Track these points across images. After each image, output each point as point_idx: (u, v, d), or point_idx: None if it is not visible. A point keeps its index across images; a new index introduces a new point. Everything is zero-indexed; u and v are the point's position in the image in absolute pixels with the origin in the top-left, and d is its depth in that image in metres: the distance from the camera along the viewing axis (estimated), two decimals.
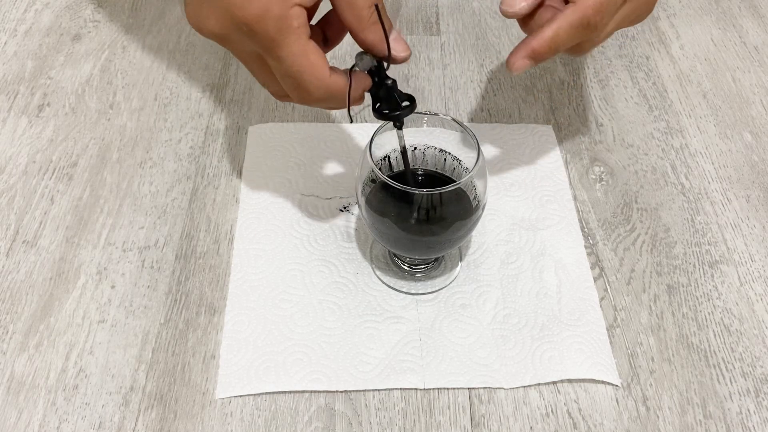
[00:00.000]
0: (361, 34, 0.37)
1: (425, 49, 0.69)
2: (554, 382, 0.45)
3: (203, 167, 0.58)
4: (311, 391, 0.45)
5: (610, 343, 0.47)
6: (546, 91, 0.66)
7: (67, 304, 0.49)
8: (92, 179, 0.57)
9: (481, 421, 0.44)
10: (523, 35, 0.42)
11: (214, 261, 0.51)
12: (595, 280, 0.51)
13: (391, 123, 0.43)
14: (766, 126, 0.63)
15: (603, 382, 0.46)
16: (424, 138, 0.47)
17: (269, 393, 0.45)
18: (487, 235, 0.53)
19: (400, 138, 0.43)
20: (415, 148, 0.48)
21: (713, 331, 0.49)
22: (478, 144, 0.43)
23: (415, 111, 0.42)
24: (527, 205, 0.55)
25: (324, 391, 0.45)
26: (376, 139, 0.44)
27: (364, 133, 0.60)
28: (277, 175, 0.57)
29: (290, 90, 0.38)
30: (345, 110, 0.40)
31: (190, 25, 0.38)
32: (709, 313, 0.49)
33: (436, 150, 0.48)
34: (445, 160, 0.48)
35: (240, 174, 0.57)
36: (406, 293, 0.50)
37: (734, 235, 0.54)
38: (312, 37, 0.37)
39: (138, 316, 0.48)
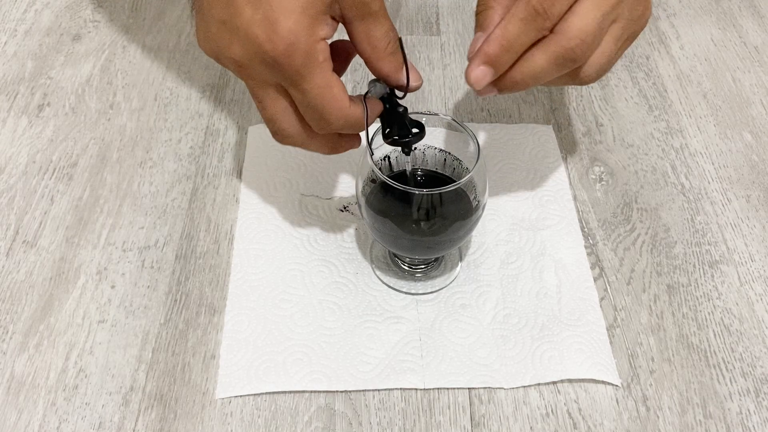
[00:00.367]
0: (377, 64, 0.38)
1: (425, 49, 0.69)
2: (554, 382, 0.45)
3: (203, 167, 0.58)
4: (311, 391, 0.45)
5: (610, 343, 0.47)
6: (546, 91, 0.66)
7: (67, 304, 0.49)
8: (92, 179, 0.57)
9: (481, 421, 0.44)
10: None
11: (214, 261, 0.51)
12: (595, 280, 0.51)
13: (389, 144, 0.43)
14: (766, 126, 0.63)
15: (603, 382, 0.46)
16: (424, 138, 0.47)
17: (269, 393, 0.45)
18: (487, 235, 0.53)
19: (407, 163, 0.44)
20: (415, 148, 0.48)
21: (713, 331, 0.49)
22: (478, 144, 0.43)
23: (415, 111, 0.43)
24: (527, 205, 0.55)
25: (324, 391, 0.45)
26: (376, 139, 0.44)
27: (364, 133, 0.60)
28: (277, 175, 0.57)
29: (310, 119, 0.39)
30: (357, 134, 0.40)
31: (203, 50, 0.38)
32: (709, 313, 0.49)
33: (436, 150, 0.48)
34: (445, 160, 0.48)
35: (240, 174, 0.57)
36: (406, 293, 0.50)
37: (734, 235, 0.54)
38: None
39: (138, 316, 0.48)
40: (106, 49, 0.68)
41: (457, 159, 0.47)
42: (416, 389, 0.45)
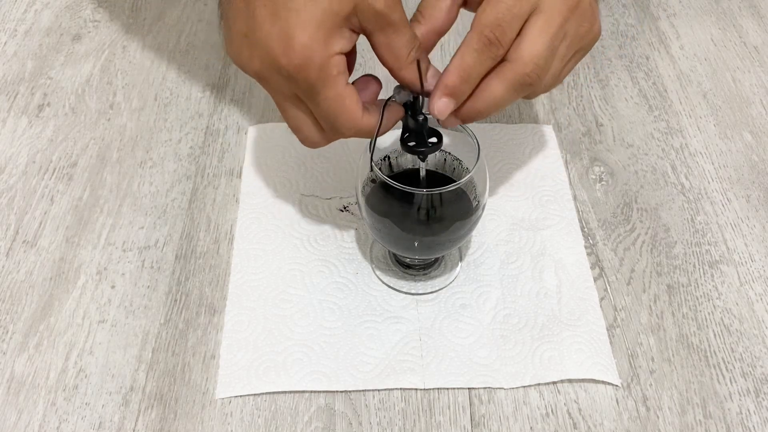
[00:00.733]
0: (399, 73, 0.39)
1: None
2: (554, 382, 0.45)
3: (203, 167, 0.58)
4: (311, 391, 0.45)
5: (610, 343, 0.47)
6: None
7: (67, 304, 0.49)
8: (92, 179, 0.57)
9: (481, 421, 0.44)
10: None
11: (214, 261, 0.51)
12: (595, 280, 0.51)
13: (405, 150, 0.43)
14: (766, 126, 0.63)
15: (603, 382, 0.46)
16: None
17: (269, 393, 0.45)
18: (487, 235, 0.53)
19: (422, 168, 0.44)
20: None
21: (713, 331, 0.49)
22: (478, 144, 0.43)
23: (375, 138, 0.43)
24: (527, 205, 0.55)
25: (324, 391, 0.45)
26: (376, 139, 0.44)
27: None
28: (277, 175, 0.57)
29: (325, 128, 0.40)
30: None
31: (233, 62, 0.40)
32: (709, 313, 0.49)
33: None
34: (445, 160, 0.48)
35: (240, 174, 0.57)
36: (406, 293, 0.50)
37: (734, 235, 0.54)
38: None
39: (138, 316, 0.48)
40: (106, 49, 0.68)
41: (457, 159, 0.47)
42: (416, 389, 0.45)
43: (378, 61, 0.39)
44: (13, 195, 0.55)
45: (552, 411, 0.44)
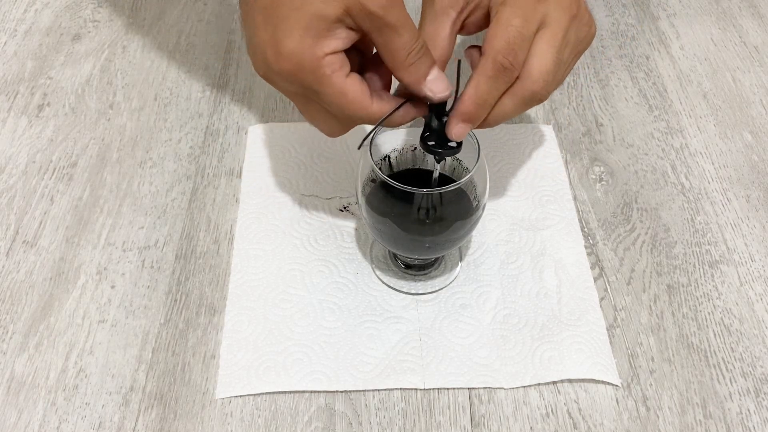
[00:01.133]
0: (396, 74, 0.39)
1: None
2: (554, 382, 0.45)
3: (203, 167, 0.58)
4: (311, 391, 0.45)
5: (610, 343, 0.47)
6: None
7: (67, 304, 0.49)
8: (92, 179, 0.57)
9: (481, 421, 0.44)
10: None
11: (214, 261, 0.51)
12: (595, 280, 0.51)
13: (424, 150, 0.43)
14: (766, 126, 0.63)
15: (603, 382, 0.46)
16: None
17: (269, 393, 0.45)
18: (487, 235, 0.53)
19: (435, 169, 0.44)
20: (415, 148, 0.48)
21: (713, 331, 0.49)
22: (478, 144, 0.43)
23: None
24: (527, 205, 0.55)
25: (324, 391, 0.45)
26: (376, 139, 0.44)
27: (364, 133, 0.60)
28: (277, 175, 0.57)
29: (339, 119, 0.41)
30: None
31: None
32: (709, 313, 0.49)
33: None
34: (445, 160, 0.48)
35: (240, 174, 0.57)
36: (406, 293, 0.50)
37: (734, 235, 0.54)
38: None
39: (138, 316, 0.48)
40: (106, 49, 0.68)
41: (457, 159, 0.47)
42: (416, 389, 0.45)
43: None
44: (13, 195, 0.55)
45: (552, 411, 0.44)
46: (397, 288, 0.50)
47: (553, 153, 0.59)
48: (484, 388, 0.45)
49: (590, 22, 0.42)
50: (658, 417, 0.44)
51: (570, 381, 0.46)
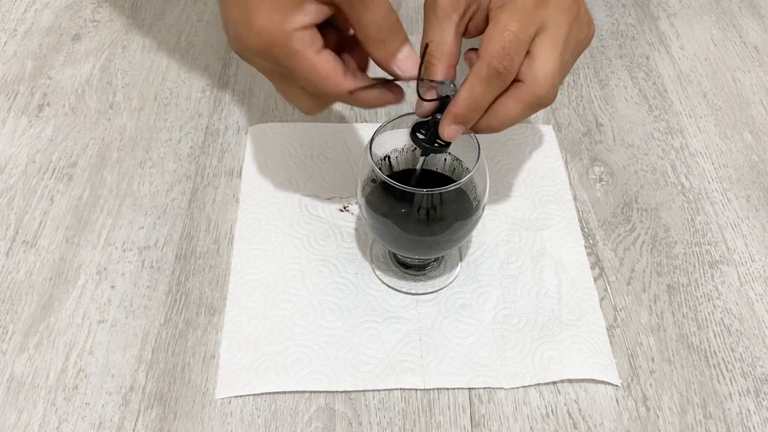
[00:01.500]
0: (368, 50, 0.39)
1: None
2: (554, 382, 0.45)
3: (203, 167, 0.58)
4: (311, 391, 0.45)
5: (610, 343, 0.47)
6: None
7: (67, 304, 0.49)
8: (92, 179, 0.57)
9: (481, 421, 0.44)
10: None
11: (214, 261, 0.51)
12: (595, 280, 0.51)
13: (411, 140, 0.43)
14: (766, 126, 0.63)
15: (603, 382, 0.46)
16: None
17: (269, 393, 0.45)
18: (487, 235, 0.53)
19: (421, 161, 0.44)
20: (416, 148, 0.48)
21: (713, 331, 0.49)
22: (478, 144, 0.43)
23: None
24: (527, 205, 0.55)
25: (324, 391, 0.45)
26: (376, 138, 0.44)
27: (364, 133, 0.60)
28: (277, 175, 0.57)
29: (312, 93, 0.41)
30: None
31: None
32: (709, 313, 0.49)
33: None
34: (445, 160, 0.48)
35: (240, 174, 0.57)
36: (406, 293, 0.50)
37: (734, 235, 0.54)
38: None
39: (138, 316, 0.48)
40: (106, 49, 0.68)
41: (457, 159, 0.47)
42: (416, 389, 0.45)
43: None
44: (13, 195, 0.55)
45: (552, 411, 0.44)
46: (397, 288, 0.50)
47: (553, 153, 0.59)
48: (484, 388, 0.45)
49: (590, 22, 0.42)
50: (658, 417, 0.44)
51: (570, 381, 0.46)
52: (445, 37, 0.40)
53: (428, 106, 0.41)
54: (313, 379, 0.45)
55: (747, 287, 0.51)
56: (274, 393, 0.45)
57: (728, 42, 0.72)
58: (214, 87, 0.65)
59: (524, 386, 0.45)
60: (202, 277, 0.50)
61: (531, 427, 0.44)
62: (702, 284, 0.51)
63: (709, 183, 0.58)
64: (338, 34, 0.41)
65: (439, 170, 0.48)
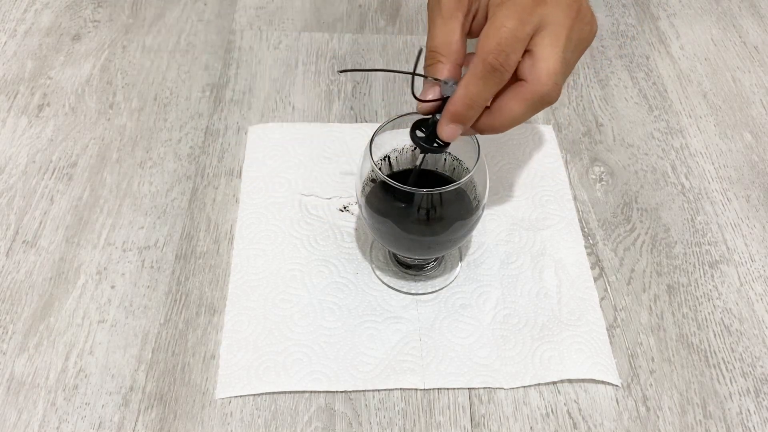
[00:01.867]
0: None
1: (425, 49, 0.69)
2: (554, 382, 0.45)
3: (203, 167, 0.58)
4: (311, 391, 0.45)
5: (610, 343, 0.47)
6: None
7: (67, 304, 0.49)
8: (92, 179, 0.57)
9: (481, 421, 0.44)
10: None
11: (214, 261, 0.51)
12: (595, 280, 0.51)
13: (411, 139, 0.43)
14: (766, 126, 0.63)
15: (603, 382, 0.46)
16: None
17: (269, 393, 0.45)
18: (487, 235, 0.53)
19: (420, 158, 0.44)
20: (416, 148, 0.48)
21: (713, 331, 0.49)
22: (478, 144, 0.43)
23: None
24: (527, 205, 0.55)
25: (324, 391, 0.45)
26: (376, 139, 0.44)
27: (364, 133, 0.60)
28: (277, 175, 0.57)
29: None
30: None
31: None
32: (709, 313, 0.49)
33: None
34: (445, 160, 0.48)
35: (240, 174, 0.57)
36: (406, 293, 0.50)
37: (734, 235, 0.54)
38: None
39: (138, 316, 0.48)
40: (106, 49, 0.68)
41: (457, 159, 0.47)
42: (416, 389, 0.45)
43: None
44: (13, 195, 0.55)
45: (552, 411, 0.44)
46: (397, 288, 0.50)
47: (553, 153, 0.59)
48: (484, 388, 0.45)
49: (592, 20, 0.42)
50: (658, 417, 0.44)
51: (570, 381, 0.46)
52: (451, 36, 0.41)
53: (427, 105, 0.41)
54: (313, 379, 0.45)
55: (747, 287, 0.51)
56: (274, 393, 0.45)
57: (728, 42, 0.72)
58: (214, 87, 0.65)
59: (524, 386, 0.45)
60: (202, 277, 0.50)
61: (531, 427, 0.44)
62: (702, 284, 0.51)
63: (709, 183, 0.58)
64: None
65: (439, 170, 0.48)
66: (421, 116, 0.42)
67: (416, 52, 0.40)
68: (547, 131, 0.61)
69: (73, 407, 0.44)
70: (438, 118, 0.40)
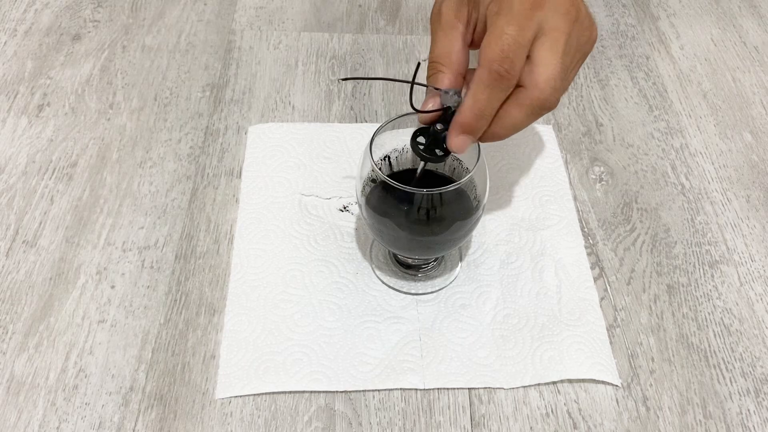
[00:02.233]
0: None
1: (425, 49, 0.69)
2: (554, 382, 0.45)
3: (203, 167, 0.58)
4: (311, 391, 0.45)
5: (610, 343, 0.47)
6: None
7: (67, 304, 0.49)
8: (92, 179, 0.57)
9: (481, 421, 0.44)
10: None
11: (214, 261, 0.51)
12: (595, 280, 0.51)
13: (411, 147, 0.42)
14: (766, 126, 0.63)
15: (603, 382, 0.46)
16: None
17: (269, 393, 0.45)
18: (487, 235, 0.53)
19: (421, 166, 0.44)
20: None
21: (713, 331, 0.49)
22: (478, 144, 0.43)
23: (416, 110, 0.42)
24: (527, 205, 0.55)
25: (324, 391, 0.45)
26: (376, 139, 0.44)
27: (364, 133, 0.60)
28: (277, 175, 0.57)
29: None
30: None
31: None
32: (709, 313, 0.49)
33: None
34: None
35: (240, 174, 0.57)
36: (406, 293, 0.50)
37: (734, 235, 0.54)
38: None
39: (138, 316, 0.48)
40: (106, 49, 0.68)
41: (457, 159, 0.47)
42: (416, 389, 0.45)
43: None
44: (13, 195, 0.55)
45: (552, 411, 0.44)
46: (397, 288, 0.50)
47: (553, 153, 0.59)
48: (484, 388, 0.45)
49: (591, 25, 0.42)
50: (658, 417, 0.44)
51: (570, 381, 0.46)
52: (452, 46, 0.41)
53: (427, 115, 0.41)
54: (313, 379, 0.45)
55: (747, 287, 0.51)
56: (274, 393, 0.45)
57: (728, 42, 0.72)
58: (214, 87, 0.65)
59: (524, 386, 0.45)
60: (202, 277, 0.50)
61: (531, 427, 0.44)
62: (702, 284, 0.51)
63: (709, 183, 0.58)
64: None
65: (439, 170, 0.48)
66: (420, 125, 0.42)
67: (417, 54, 0.40)
68: (547, 131, 0.61)
69: (73, 407, 0.44)
70: (439, 127, 0.40)
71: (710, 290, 0.51)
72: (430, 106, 0.41)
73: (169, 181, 0.57)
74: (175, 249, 0.52)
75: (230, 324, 0.47)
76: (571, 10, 0.39)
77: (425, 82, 0.41)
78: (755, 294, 0.51)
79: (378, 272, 0.51)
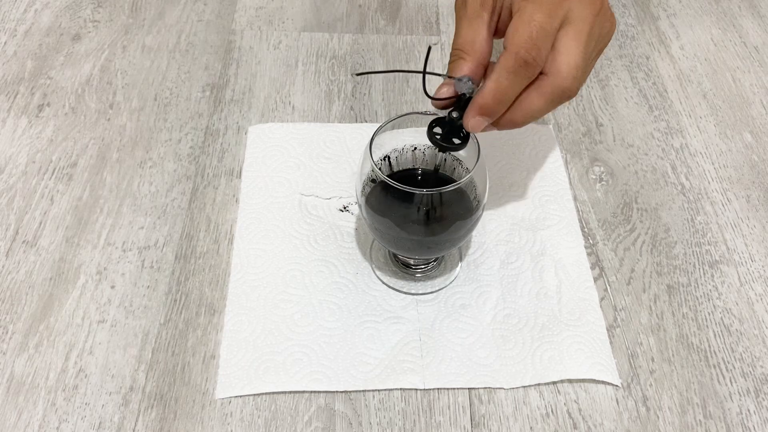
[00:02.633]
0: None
1: (425, 49, 0.69)
2: (554, 382, 0.45)
3: (203, 167, 0.58)
4: (311, 391, 0.45)
5: (610, 343, 0.47)
6: None
7: (67, 304, 0.49)
8: (92, 179, 0.57)
9: (481, 421, 0.44)
10: None
11: (214, 261, 0.51)
12: (595, 280, 0.51)
13: (428, 138, 0.42)
14: (766, 126, 0.63)
15: (603, 382, 0.46)
16: (424, 138, 0.47)
17: (269, 393, 0.45)
18: (487, 235, 0.53)
19: (437, 156, 0.44)
20: (415, 148, 0.48)
21: (713, 331, 0.49)
22: (478, 144, 0.43)
23: (416, 111, 0.43)
24: (527, 205, 0.55)
25: (324, 391, 0.45)
26: (376, 139, 0.44)
27: (364, 133, 0.60)
28: (277, 175, 0.57)
29: None
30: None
31: None
32: (709, 313, 0.49)
33: (437, 150, 0.48)
34: (445, 160, 0.48)
35: (240, 174, 0.57)
36: (406, 293, 0.50)
37: (734, 235, 0.54)
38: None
39: (138, 316, 0.48)
40: (106, 49, 0.68)
41: (457, 159, 0.47)
42: (416, 389, 0.45)
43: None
44: (13, 195, 0.55)
45: (552, 411, 0.44)
46: (397, 288, 0.50)
47: (553, 153, 0.59)
48: (484, 388, 0.45)
49: (612, 17, 0.42)
50: (658, 417, 0.44)
51: (570, 381, 0.46)
52: (476, 35, 0.40)
53: (441, 102, 0.41)
54: (313, 379, 0.45)
55: (747, 287, 0.51)
56: (274, 393, 0.45)
57: (728, 42, 0.72)
58: (214, 87, 0.65)
59: (524, 386, 0.45)
60: (202, 277, 0.50)
61: (531, 427, 0.44)
62: (702, 284, 0.51)
63: (709, 183, 0.58)
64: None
65: (439, 170, 0.48)
66: (436, 116, 0.42)
67: (417, 54, 0.40)
68: (547, 131, 0.61)
69: (73, 407, 0.44)
70: (455, 115, 0.40)
71: (710, 290, 0.51)
72: (443, 93, 0.41)
73: (169, 181, 0.57)
74: (175, 249, 0.52)
75: (230, 324, 0.47)
76: (595, 1, 0.40)
77: (436, 70, 0.41)
78: (755, 294, 0.51)
79: (378, 272, 0.51)
